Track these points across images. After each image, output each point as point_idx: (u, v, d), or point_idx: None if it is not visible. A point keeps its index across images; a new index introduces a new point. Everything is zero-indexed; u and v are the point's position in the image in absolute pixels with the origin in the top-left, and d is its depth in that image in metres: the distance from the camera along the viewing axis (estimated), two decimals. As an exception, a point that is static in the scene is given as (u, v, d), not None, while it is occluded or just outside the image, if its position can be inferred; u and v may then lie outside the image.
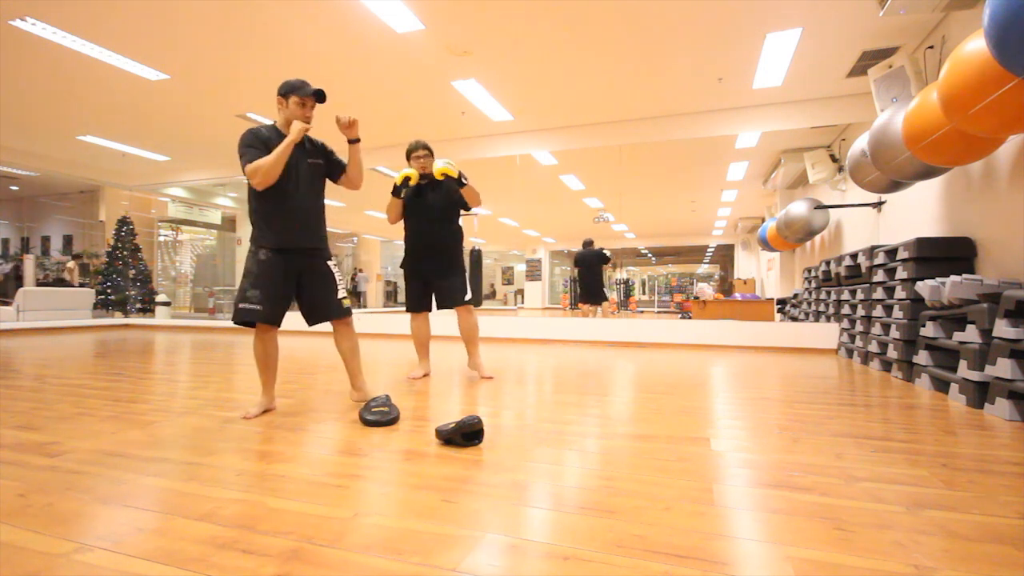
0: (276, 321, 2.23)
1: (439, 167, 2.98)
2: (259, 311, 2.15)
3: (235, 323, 2.21)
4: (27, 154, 7.59)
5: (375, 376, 3.36)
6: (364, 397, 2.43)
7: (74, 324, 7.64)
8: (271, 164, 2.10)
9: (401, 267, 3.27)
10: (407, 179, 3.06)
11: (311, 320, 2.35)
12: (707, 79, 4.84)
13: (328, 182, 2.43)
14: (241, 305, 2.15)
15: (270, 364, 2.30)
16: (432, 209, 3.14)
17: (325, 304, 2.34)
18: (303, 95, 2.21)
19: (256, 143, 2.15)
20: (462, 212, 3.25)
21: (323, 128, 2.67)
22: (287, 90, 2.21)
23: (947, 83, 2.41)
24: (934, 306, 2.95)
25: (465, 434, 1.78)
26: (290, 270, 2.25)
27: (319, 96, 2.24)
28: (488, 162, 6.71)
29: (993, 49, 2.01)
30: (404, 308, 3.30)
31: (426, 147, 3.09)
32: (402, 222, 3.22)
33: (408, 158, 3.14)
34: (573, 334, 5.92)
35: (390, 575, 0.97)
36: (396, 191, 3.10)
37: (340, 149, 2.46)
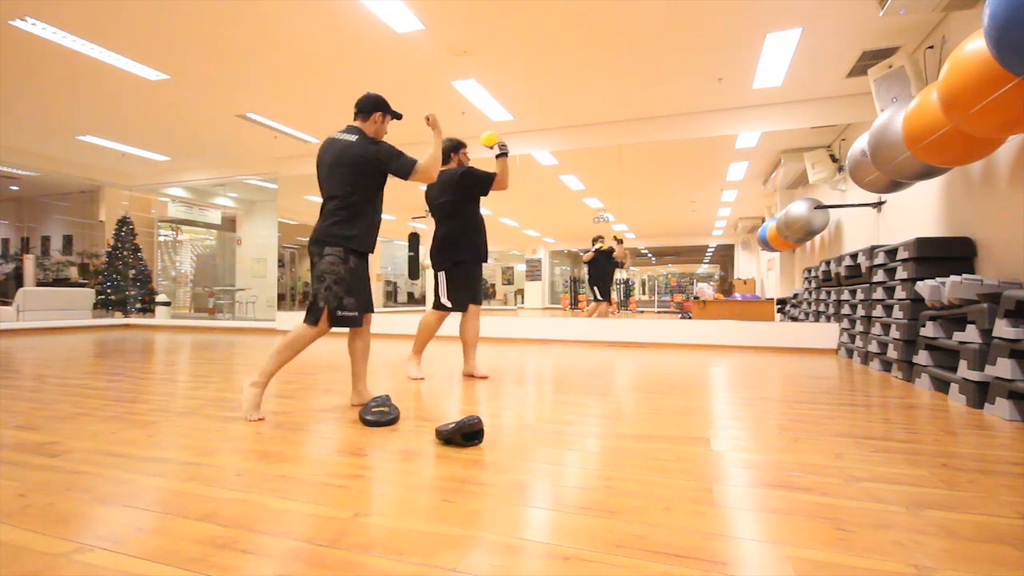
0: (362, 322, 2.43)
1: (489, 136, 3.02)
2: (357, 318, 2.31)
3: (334, 327, 2.32)
4: (27, 154, 7.59)
5: (375, 376, 3.36)
6: (364, 401, 2.44)
7: (74, 324, 7.64)
8: (436, 161, 2.39)
9: (459, 261, 3.19)
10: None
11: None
12: (707, 79, 4.84)
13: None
14: (340, 313, 2.28)
15: (363, 357, 2.49)
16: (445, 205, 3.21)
17: (370, 298, 2.49)
18: (393, 115, 2.48)
19: (395, 150, 2.38)
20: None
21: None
22: (386, 108, 2.45)
23: (947, 83, 2.41)
24: (934, 306, 2.95)
25: (465, 434, 1.78)
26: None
27: (398, 117, 2.51)
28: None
29: (993, 49, 2.01)
30: (438, 304, 3.23)
31: (465, 144, 3.32)
32: (453, 213, 3.21)
33: (457, 152, 3.26)
34: (573, 334, 5.92)
35: (390, 575, 0.97)
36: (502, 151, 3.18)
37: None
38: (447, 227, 3.21)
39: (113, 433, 1.95)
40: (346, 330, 2.46)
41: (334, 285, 2.25)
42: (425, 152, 2.38)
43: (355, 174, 2.30)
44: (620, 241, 7.74)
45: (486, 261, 3.28)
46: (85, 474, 1.50)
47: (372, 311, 2.50)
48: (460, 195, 3.18)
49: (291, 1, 3.59)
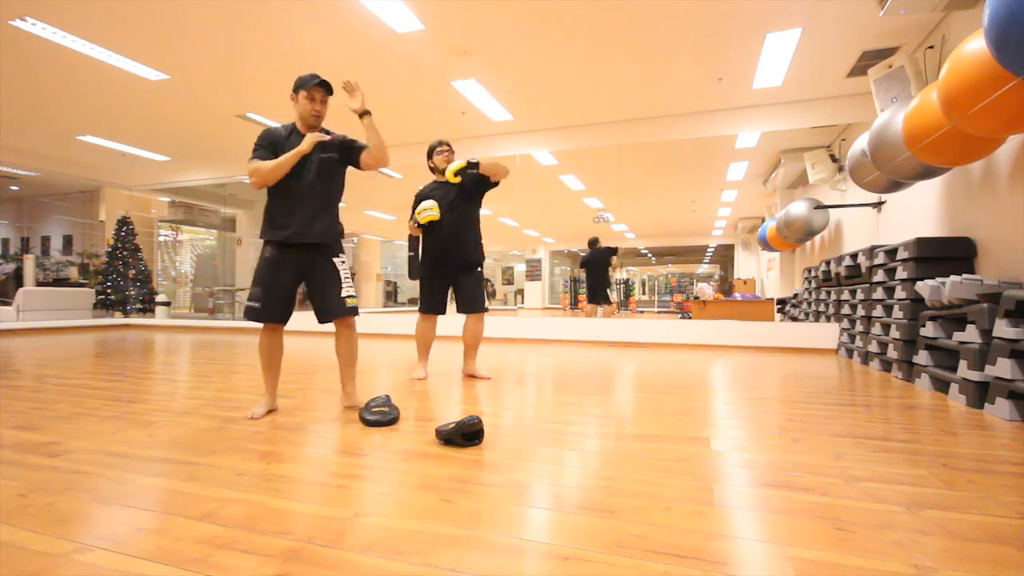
0: (276, 319, 2.24)
1: (451, 168, 2.97)
2: (257, 309, 2.19)
3: (245, 320, 2.28)
4: (27, 154, 7.59)
5: (375, 376, 3.36)
6: (354, 403, 2.37)
7: (74, 324, 7.64)
8: (270, 169, 2.15)
9: (417, 270, 3.23)
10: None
11: (319, 319, 2.33)
12: (707, 79, 4.84)
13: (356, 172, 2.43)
14: (247, 303, 2.22)
15: (272, 363, 2.30)
16: (454, 206, 3.15)
17: (328, 302, 2.30)
18: (310, 87, 2.24)
19: (265, 143, 2.22)
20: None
21: (337, 121, 2.65)
22: (297, 85, 2.27)
23: (947, 83, 2.41)
24: (934, 306, 2.95)
25: (465, 434, 1.78)
26: (296, 268, 2.25)
27: (326, 87, 2.28)
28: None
29: (993, 49, 2.01)
30: (420, 309, 3.25)
31: (448, 143, 3.24)
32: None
33: (431, 156, 3.22)
34: (573, 334, 5.92)
35: (390, 575, 0.97)
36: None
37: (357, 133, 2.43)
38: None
39: (113, 433, 1.95)
40: (345, 329, 2.40)
41: (253, 277, 2.24)
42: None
43: None
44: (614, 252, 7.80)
45: (447, 267, 3.16)
46: (85, 474, 1.50)
47: (279, 319, 2.24)
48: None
49: (291, 1, 3.59)
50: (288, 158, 2.16)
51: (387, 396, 2.24)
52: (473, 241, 3.18)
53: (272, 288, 2.20)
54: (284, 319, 2.26)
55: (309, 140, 2.19)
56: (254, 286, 2.21)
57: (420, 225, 3.10)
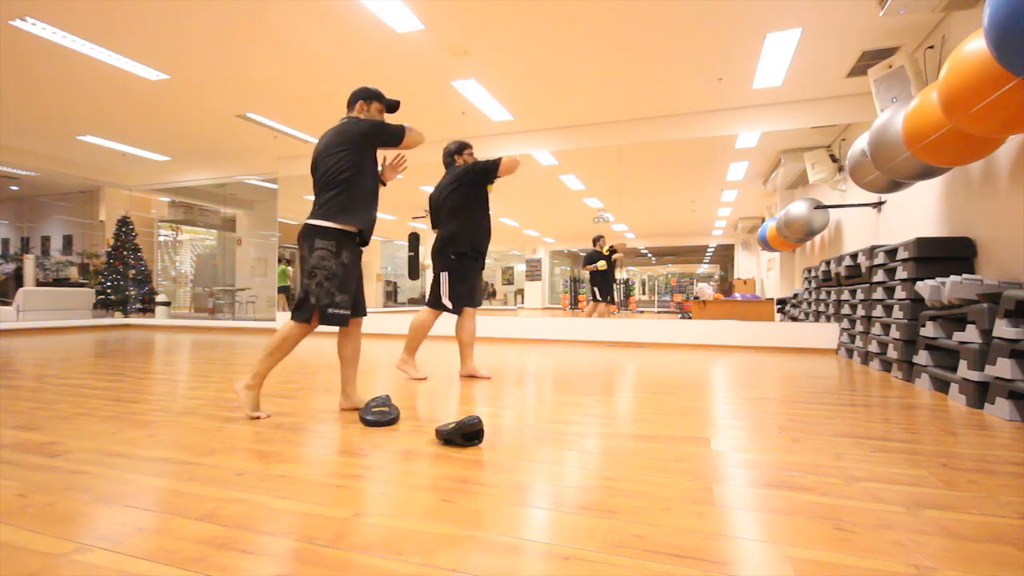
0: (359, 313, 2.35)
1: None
2: (347, 316, 2.22)
3: (324, 324, 2.23)
4: (27, 154, 7.59)
5: (375, 377, 3.36)
6: (355, 404, 2.36)
7: (74, 324, 7.64)
8: (421, 134, 2.34)
9: (455, 257, 3.16)
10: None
11: (353, 314, 2.32)
12: (707, 79, 4.84)
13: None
14: (331, 311, 2.18)
15: (353, 360, 2.39)
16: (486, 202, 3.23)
17: (361, 299, 2.36)
18: (387, 111, 2.43)
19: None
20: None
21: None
22: (374, 96, 2.39)
23: (947, 83, 2.41)
24: (934, 306, 2.94)
25: (465, 434, 1.77)
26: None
27: (393, 108, 2.45)
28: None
29: (993, 49, 2.01)
30: (435, 303, 3.20)
31: (470, 144, 3.31)
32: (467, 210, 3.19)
33: (461, 153, 3.26)
34: (573, 334, 5.92)
35: (390, 575, 0.97)
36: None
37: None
38: (449, 226, 3.19)
39: (113, 433, 1.95)
40: (335, 330, 2.37)
41: (325, 281, 2.17)
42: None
43: (340, 154, 2.21)
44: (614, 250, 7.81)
45: (483, 259, 3.23)
46: (85, 474, 1.50)
47: (364, 313, 2.37)
48: (462, 193, 3.17)
49: (291, 1, 3.59)
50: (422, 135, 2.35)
51: (387, 396, 2.24)
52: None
53: (356, 291, 2.29)
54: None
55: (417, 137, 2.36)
56: (339, 293, 2.18)
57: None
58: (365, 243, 2.32)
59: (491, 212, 3.30)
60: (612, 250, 7.52)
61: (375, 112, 2.38)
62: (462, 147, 3.27)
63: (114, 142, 7.01)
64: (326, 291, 2.16)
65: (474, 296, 3.23)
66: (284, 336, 2.19)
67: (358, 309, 2.32)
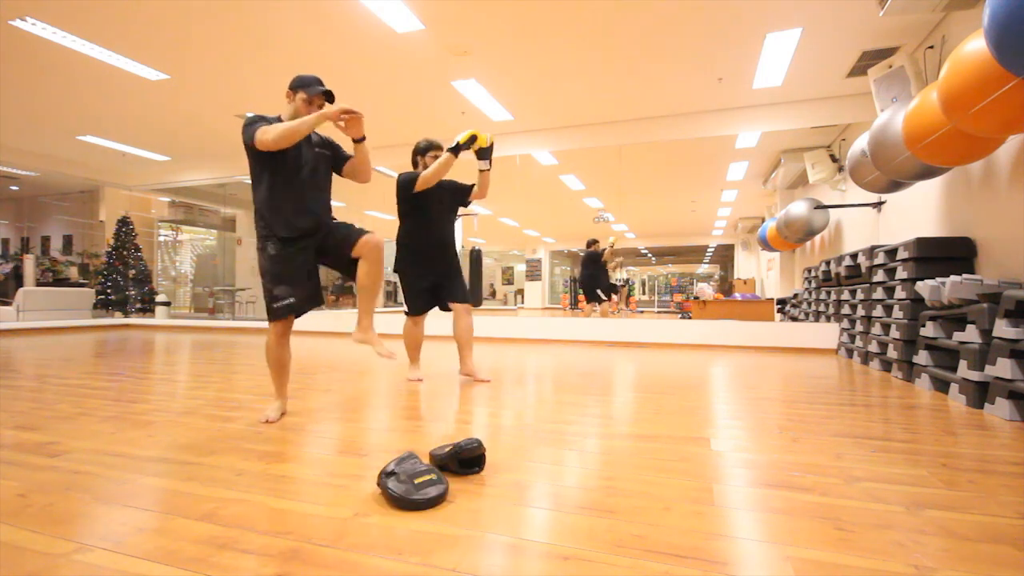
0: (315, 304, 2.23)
1: (484, 136, 2.85)
2: (293, 304, 2.11)
3: (271, 320, 2.16)
4: (27, 154, 7.58)
5: (374, 377, 3.36)
6: (367, 340, 2.27)
7: (74, 324, 7.64)
8: (286, 129, 1.95)
9: (399, 268, 3.08)
10: (473, 138, 2.82)
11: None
12: (707, 79, 4.84)
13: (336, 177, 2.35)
14: (274, 305, 2.11)
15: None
16: (442, 205, 3.07)
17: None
18: (311, 93, 2.13)
19: (263, 122, 2.08)
20: (461, 211, 3.20)
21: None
22: (297, 84, 2.15)
23: (947, 83, 2.41)
24: (934, 306, 2.94)
25: (463, 460, 1.50)
26: (307, 257, 2.18)
27: (328, 97, 2.15)
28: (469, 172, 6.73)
29: (993, 49, 2.01)
30: (406, 311, 3.14)
31: (441, 146, 3.04)
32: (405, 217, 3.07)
33: (424, 154, 3.02)
34: (573, 334, 5.92)
35: (390, 575, 0.97)
36: (455, 149, 2.83)
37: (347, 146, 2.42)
38: (399, 230, 3.11)
39: (113, 433, 1.95)
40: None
41: (263, 279, 2.14)
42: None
43: (249, 157, 2.10)
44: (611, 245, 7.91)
45: (428, 265, 3.05)
46: (85, 474, 1.50)
47: (319, 302, 2.23)
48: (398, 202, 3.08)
49: (291, 1, 3.59)
50: (305, 121, 1.96)
51: (414, 456, 1.42)
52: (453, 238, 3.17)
53: (296, 281, 2.14)
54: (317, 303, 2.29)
55: (322, 114, 1.99)
56: (276, 286, 2.10)
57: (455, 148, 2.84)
58: (303, 232, 2.14)
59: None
60: (594, 242, 7.68)
61: (299, 103, 2.12)
62: (429, 147, 3.03)
63: (114, 142, 7.01)
64: (266, 289, 2.14)
65: (418, 301, 3.10)
66: (267, 346, 2.21)
67: (307, 294, 2.16)
